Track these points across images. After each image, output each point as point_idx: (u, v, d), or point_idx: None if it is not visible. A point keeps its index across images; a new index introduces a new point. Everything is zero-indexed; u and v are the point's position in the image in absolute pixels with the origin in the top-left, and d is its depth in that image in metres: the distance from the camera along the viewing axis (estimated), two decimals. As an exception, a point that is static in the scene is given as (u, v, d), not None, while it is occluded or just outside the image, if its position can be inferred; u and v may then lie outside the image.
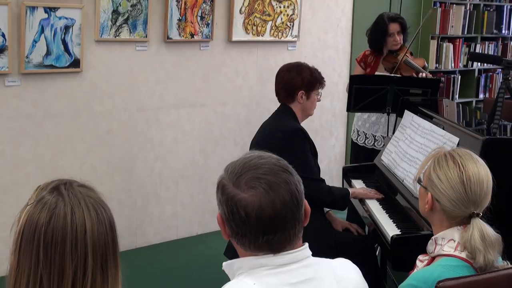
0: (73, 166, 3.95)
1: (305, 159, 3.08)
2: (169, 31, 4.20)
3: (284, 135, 3.09)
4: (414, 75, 4.19)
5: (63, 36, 3.74)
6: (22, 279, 1.21)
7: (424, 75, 4.15)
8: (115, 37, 3.98)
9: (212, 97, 4.57)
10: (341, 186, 3.72)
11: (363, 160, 4.33)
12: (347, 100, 3.99)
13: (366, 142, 4.39)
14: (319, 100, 3.30)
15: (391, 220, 2.93)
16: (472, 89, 6.34)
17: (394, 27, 4.21)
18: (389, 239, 2.68)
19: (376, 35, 4.27)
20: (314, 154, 3.21)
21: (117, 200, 4.13)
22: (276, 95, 3.29)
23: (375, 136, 4.36)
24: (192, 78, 4.44)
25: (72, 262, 1.20)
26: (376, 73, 4.30)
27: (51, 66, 3.74)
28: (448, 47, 6.00)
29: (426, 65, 4.24)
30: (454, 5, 6.01)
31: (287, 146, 3.02)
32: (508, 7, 6.49)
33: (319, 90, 3.27)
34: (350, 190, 3.26)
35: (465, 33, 6.14)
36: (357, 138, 4.46)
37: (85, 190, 1.29)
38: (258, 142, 3.17)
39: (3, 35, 3.52)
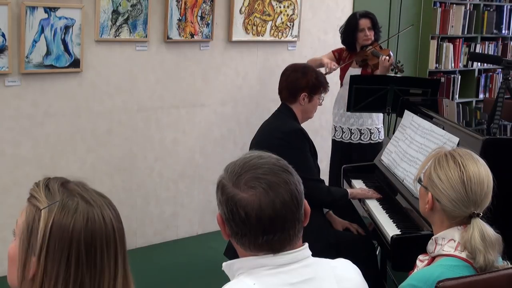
0: (73, 166, 3.95)
1: (304, 159, 3.08)
2: (169, 31, 4.20)
3: (283, 135, 3.08)
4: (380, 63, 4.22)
5: (63, 36, 3.74)
6: (55, 285, 1.20)
7: (384, 58, 4.16)
8: (115, 37, 3.98)
9: (212, 97, 4.57)
10: (341, 186, 3.72)
11: (341, 156, 4.37)
12: (347, 100, 4.00)
13: (343, 136, 4.43)
14: (320, 104, 3.29)
15: (391, 220, 2.93)
16: (472, 89, 6.34)
17: (364, 22, 4.32)
18: (389, 239, 2.68)
19: (348, 31, 4.39)
20: (314, 154, 3.21)
21: (117, 200, 4.12)
22: (279, 93, 3.28)
23: (351, 129, 4.39)
24: (192, 78, 4.44)
25: (109, 261, 1.23)
26: (350, 68, 4.40)
27: (51, 66, 3.74)
28: (448, 47, 6.00)
29: (391, 54, 4.34)
30: (454, 5, 6.01)
31: (287, 146, 3.02)
32: (508, 7, 6.49)
33: (322, 95, 3.27)
34: (349, 190, 3.25)
35: (465, 33, 6.14)
36: (334, 134, 4.52)
37: (90, 188, 1.31)
38: (258, 142, 3.16)
39: (3, 35, 3.52)
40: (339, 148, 4.46)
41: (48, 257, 1.21)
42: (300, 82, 3.19)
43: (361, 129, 4.38)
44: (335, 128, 4.51)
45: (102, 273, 1.22)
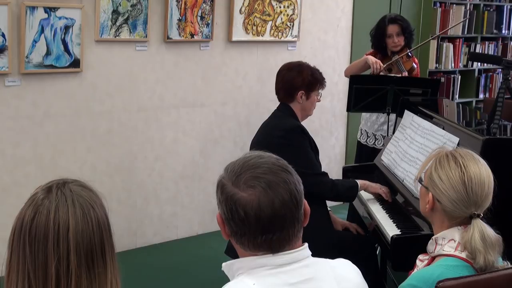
0: (73, 166, 3.94)
1: (305, 155, 3.06)
2: (169, 31, 4.20)
3: (283, 133, 3.07)
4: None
5: (63, 36, 3.74)
6: (13, 273, 1.24)
7: (404, 74, 4.16)
8: (115, 37, 3.98)
9: (212, 97, 4.57)
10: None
11: (365, 159, 4.33)
12: (347, 100, 3.99)
13: (368, 140, 4.39)
14: (319, 101, 3.28)
15: (391, 220, 2.92)
16: (472, 89, 6.35)
17: (392, 28, 4.20)
18: (389, 239, 2.68)
19: (377, 36, 4.29)
20: (315, 150, 3.19)
21: (117, 200, 4.12)
22: (276, 94, 3.28)
23: (376, 135, 4.36)
24: (192, 78, 4.43)
25: (54, 259, 1.22)
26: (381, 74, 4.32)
27: (51, 66, 3.74)
28: (448, 47, 6.01)
29: (414, 65, 4.24)
30: (454, 5, 6.02)
31: (287, 144, 3.01)
32: (508, 7, 6.49)
33: (320, 91, 3.26)
34: (359, 182, 3.16)
35: (465, 33, 6.14)
36: (360, 137, 4.47)
37: (78, 189, 1.30)
38: (258, 141, 3.16)
39: (3, 35, 3.52)
40: (364, 151, 4.39)
41: (12, 246, 1.26)
42: (296, 81, 3.17)
43: (385, 136, 4.32)
44: (361, 131, 4.44)
45: (45, 268, 1.22)
